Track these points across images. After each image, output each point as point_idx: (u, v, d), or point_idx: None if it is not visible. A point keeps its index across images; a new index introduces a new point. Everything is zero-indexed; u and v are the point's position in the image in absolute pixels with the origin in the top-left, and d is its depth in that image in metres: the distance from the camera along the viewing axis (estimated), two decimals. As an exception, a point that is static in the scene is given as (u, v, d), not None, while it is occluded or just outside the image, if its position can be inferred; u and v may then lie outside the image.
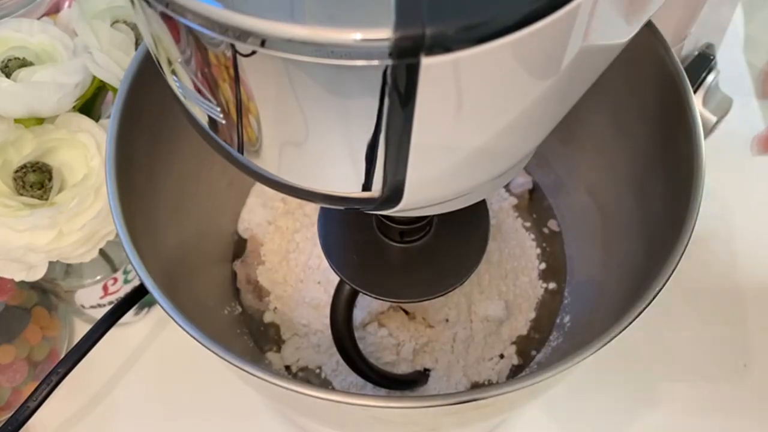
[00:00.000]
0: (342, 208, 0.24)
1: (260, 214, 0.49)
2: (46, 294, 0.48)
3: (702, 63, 0.43)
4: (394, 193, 0.23)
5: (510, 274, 0.46)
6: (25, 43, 0.40)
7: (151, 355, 0.50)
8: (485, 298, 0.44)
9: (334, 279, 0.43)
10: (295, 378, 0.42)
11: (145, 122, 0.35)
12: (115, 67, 0.38)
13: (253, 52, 0.18)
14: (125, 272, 0.47)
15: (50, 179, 0.38)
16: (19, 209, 0.37)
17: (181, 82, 0.22)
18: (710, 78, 0.42)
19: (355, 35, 0.17)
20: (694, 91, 0.35)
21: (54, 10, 0.47)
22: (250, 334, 0.46)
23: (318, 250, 0.44)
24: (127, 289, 0.48)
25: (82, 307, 0.48)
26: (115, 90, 0.36)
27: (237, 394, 0.47)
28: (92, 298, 0.47)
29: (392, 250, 0.35)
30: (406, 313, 0.45)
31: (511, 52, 0.18)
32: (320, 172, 0.23)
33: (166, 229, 0.38)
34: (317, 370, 0.44)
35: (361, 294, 0.37)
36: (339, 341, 0.39)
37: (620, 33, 0.24)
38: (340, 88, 0.19)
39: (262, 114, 0.21)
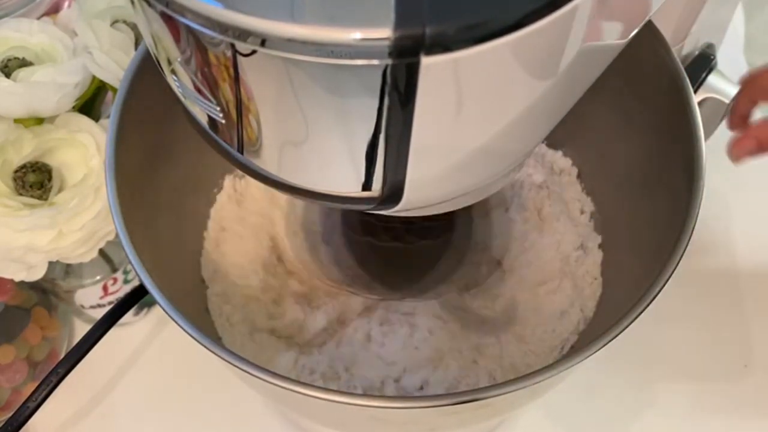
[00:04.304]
0: (342, 207, 0.24)
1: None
2: (46, 294, 0.48)
3: (702, 63, 0.43)
4: (394, 192, 0.23)
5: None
6: (24, 43, 0.40)
7: (151, 355, 0.50)
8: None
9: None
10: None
11: (145, 122, 0.35)
12: (115, 67, 0.38)
13: (253, 52, 0.18)
14: (125, 272, 0.47)
15: (50, 179, 0.38)
16: (19, 209, 0.36)
17: (181, 81, 0.22)
18: (711, 77, 0.42)
19: (355, 35, 0.17)
20: (695, 91, 0.35)
21: (54, 10, 0.47)
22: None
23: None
24: (127, 289, 0.48)
25: (82, 307, 0.48)
26: (114, 90, 0.36)
27: (237, 394, 0.47)
28: (92, 298, 0.47)
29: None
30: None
31: (511, 52, 0.18)
32: (320, 172, 0.23)
33: (166, 229, 0.38)
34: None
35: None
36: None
37: (619, 33, 0.24)
38: (340, 88, 0.19)
39: (262, 114, 0.21)
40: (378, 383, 0.40)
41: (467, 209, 0.43)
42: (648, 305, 0.28)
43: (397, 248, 0.44)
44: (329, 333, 0.42)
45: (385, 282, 0.43)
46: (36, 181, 0.38)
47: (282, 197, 0.45)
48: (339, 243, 0.45)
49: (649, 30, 0.34)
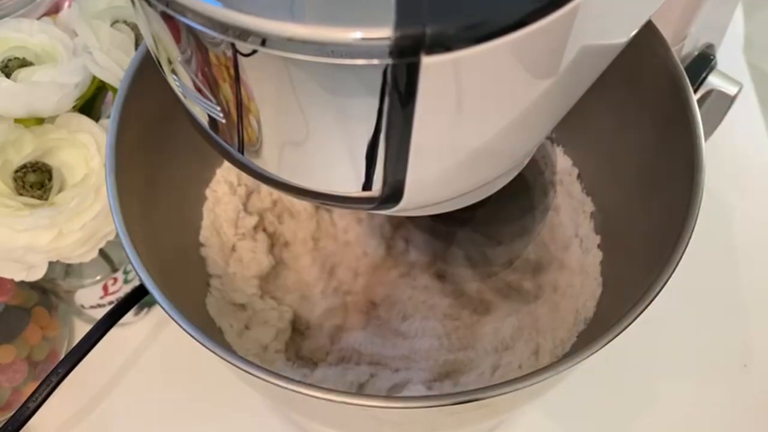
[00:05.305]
0: (342, 207, 0.24)
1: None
2: (46, 294, 0.48)
3: (702, 63, 0.43)
4: (394, 192, 0.23)
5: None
6: (25, 43, 0.40)
7: (151, 355, 0.50)
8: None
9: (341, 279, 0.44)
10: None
11: (145, 122, 0.35)
12: (115, 67, 0.38)
13: (254, 52, 0.18)
14: (125, 272, 0.47)
15: (50, 179, 0.38)
16: (19, 209, 0.37)
17: (182, 81, 0.22)
18: (711, 77, 0.42)
19: (355, 34, 0.17)
20: (694, 91, 0.35)
21: (54, 10, 0.47)
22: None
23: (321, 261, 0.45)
24: (127, 289, 0.48)
25: (82, 307, 0.48)
26: (115, 90, 0.36)
27: (237, 394, 0.47)
28: (92, 298, 0.47)
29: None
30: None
31: (511, 52, 0.18)
32: (320, 172, 0.23)
33: (166, 229, 0.38)
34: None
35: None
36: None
37: (620, 33, 0.24)
38: (340, 88, 0.19)
39: (262, 114, 0.21)
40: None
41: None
42: (648, 305, 0.28)
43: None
44: (332, 330, 0.42)
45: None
46: (36, 181, 0.38)
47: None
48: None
49: (649, 30, 0.34)
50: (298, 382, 0.26)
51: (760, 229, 0.54)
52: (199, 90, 0.22)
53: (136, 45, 0.40)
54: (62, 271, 0.46)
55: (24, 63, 0.39)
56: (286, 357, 0.41)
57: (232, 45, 0.18)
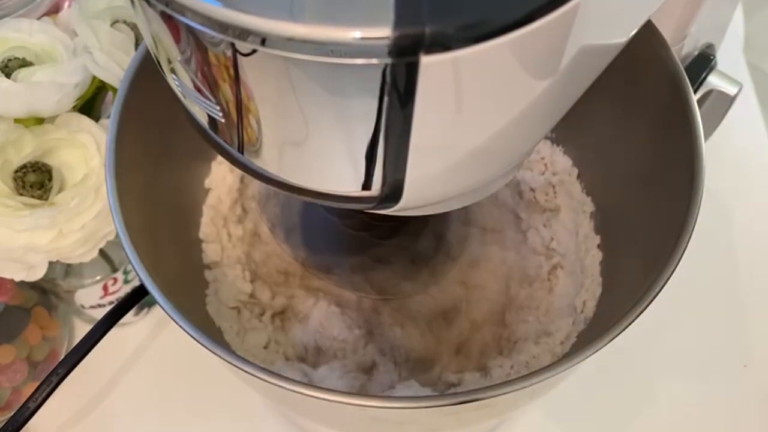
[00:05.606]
0: (342, 206, 0.24)
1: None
2: (46, 294, 0.48)
3: (702, 63, 0.43)
4: (393, 192, 0.23)
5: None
6: (25, 43, 0.40)
7: (151, 355, 0.50)
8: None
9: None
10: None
11: (145, 122, 0.35)
12: (115, 67, 0.38)
13: (253, 51, 0.18)
14: (125, 272, 0.47)
15: (50, 179, 0.38)
16: (19, 209, 0.37)
17: (181, 81, 0.22)
18: (711, 77, 0.42)
19: (354, 33, 0.17)
20: (694, 91, 0.35)
21: (54, 10, 0.47)
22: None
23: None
24: (127, 289, 0.48)
25: (82, 307, 0.48)
26: (115, 90, 0.36)
27: (237, 394, 0.47)
28: (92, 298, 0.47)
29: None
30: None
31: (510, 51, 0.18)
32: (320, 172, 0.23)
33: (166, 229, 0.38)
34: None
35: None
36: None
37: (619, 33, 0.24)
38: (339, 87, 0.19)
39: (261, 113, 0.21)
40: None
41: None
42: (648, 305, 0.28)
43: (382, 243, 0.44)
44: (332, 329, 0.42)
45: (368, 278, 0.43)
46: (36, 181, 0.38)
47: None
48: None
49: (649, 30, 0.34)
50: (298, 383, 0.26)
51: (760, 229, 0.54)
52: (199, 90, 0.22)
53: (136, 45, 0.40)
54: (62, 271, 0.46)
55: (24, 63, 0.39)
56: (285, 357, 0.41)
57: (232, 45, 0.18)
